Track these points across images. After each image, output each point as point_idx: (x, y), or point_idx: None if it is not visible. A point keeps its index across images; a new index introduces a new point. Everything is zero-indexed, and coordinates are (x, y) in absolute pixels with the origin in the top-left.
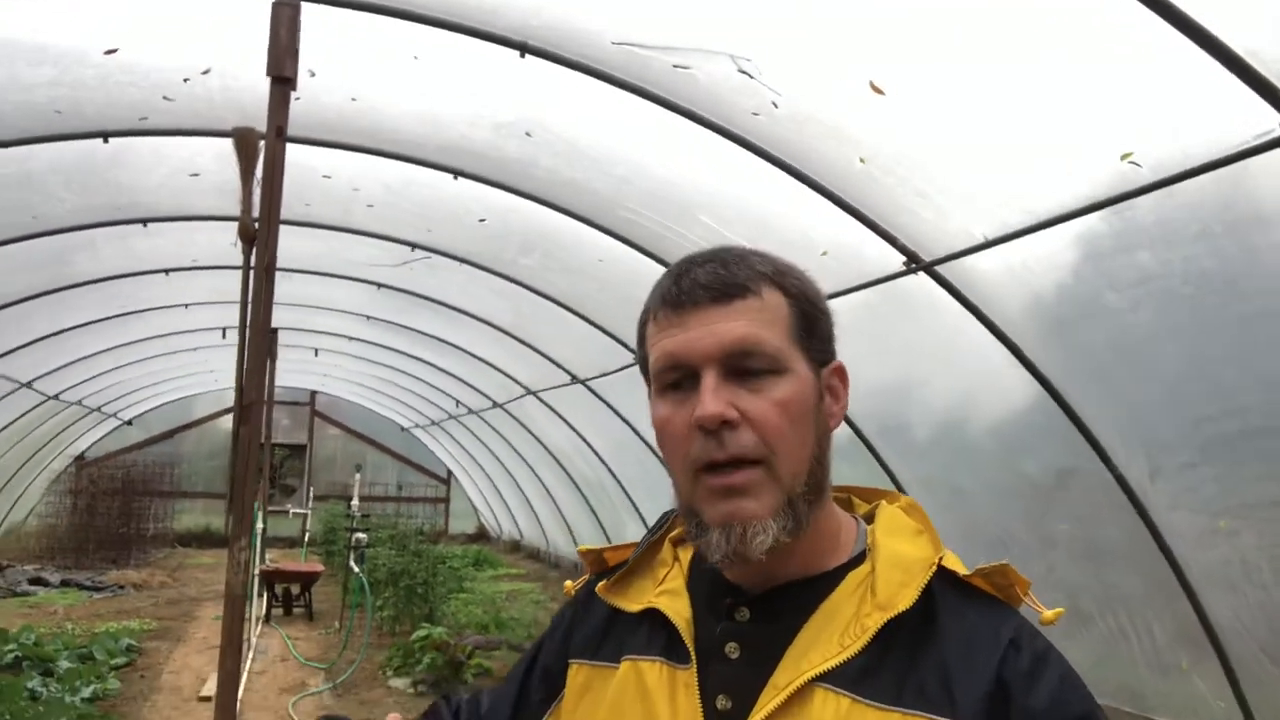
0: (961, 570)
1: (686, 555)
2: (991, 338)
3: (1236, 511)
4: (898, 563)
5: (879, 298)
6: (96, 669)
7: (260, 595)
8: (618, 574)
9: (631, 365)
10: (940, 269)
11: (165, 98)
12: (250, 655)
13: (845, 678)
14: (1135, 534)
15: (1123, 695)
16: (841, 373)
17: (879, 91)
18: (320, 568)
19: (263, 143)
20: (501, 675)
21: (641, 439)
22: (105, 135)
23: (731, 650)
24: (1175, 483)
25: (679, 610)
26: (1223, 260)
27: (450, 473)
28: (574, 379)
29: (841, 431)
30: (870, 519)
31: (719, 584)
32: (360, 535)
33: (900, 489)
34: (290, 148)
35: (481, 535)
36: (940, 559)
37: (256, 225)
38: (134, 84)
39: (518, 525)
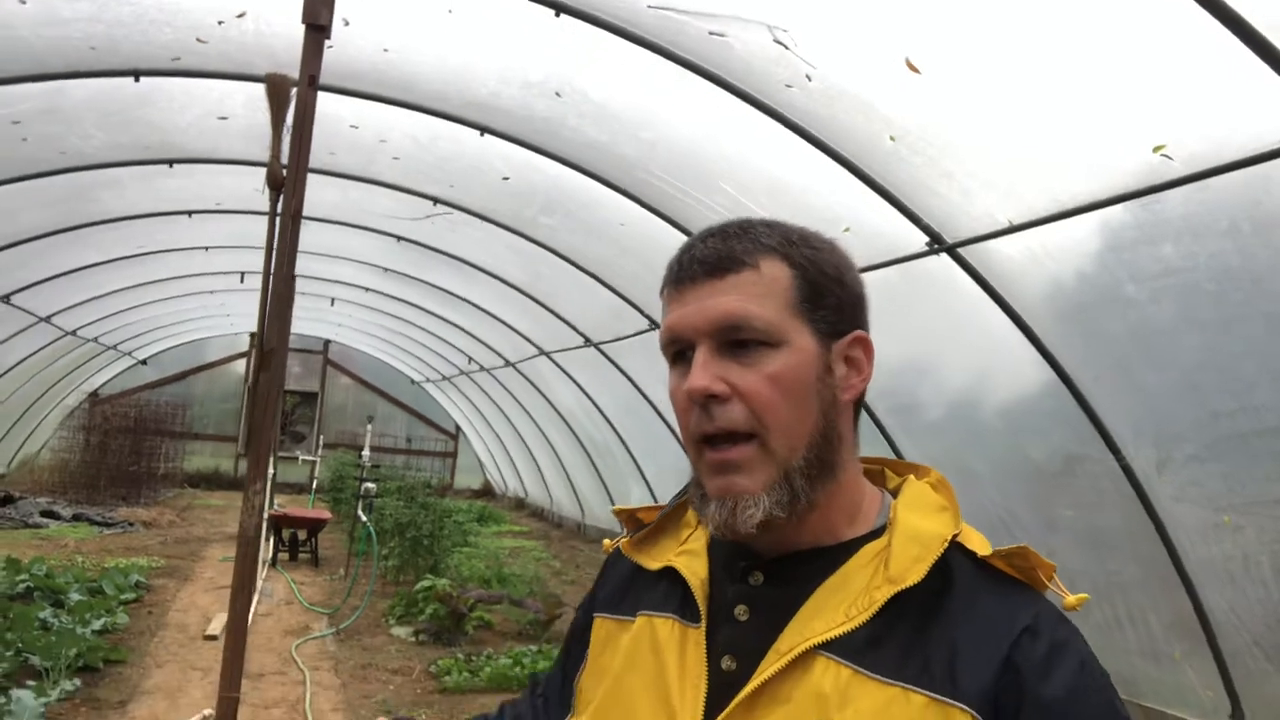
0: (982, 551)
1: None
2: (1009, 322)
3: (1241, 508)
4: (915, 537)
5: (899, 276)
6: (106, 603)
7: (268, 539)
8: (642, 532)
9: (646, 331)
10: (963, 251)
11: (199, 39)
12: (256, 598)
13: (848, 648)
14: (1138, 524)
15: (1116, 681)
16: (864, 343)
17: (915, 70)
18: (328, 515)
19: (294, 90)
20: (502, 629)
21: (651, 404)
22: (137, 74)
23: (741, 613)
24: (1182, 475)
25: (695, 570)
26: (1248, 258)
27: (458, 428)
28: (587, 341)
29: None
30: (899, 493)
31: (737, 548)
32: (369, 485)
33: (893, 446)
34: (320, 96)
35: (487, 491)
36: (956, 535)
37: (285, 173)
38: (169, 23)
39: (523, 483)
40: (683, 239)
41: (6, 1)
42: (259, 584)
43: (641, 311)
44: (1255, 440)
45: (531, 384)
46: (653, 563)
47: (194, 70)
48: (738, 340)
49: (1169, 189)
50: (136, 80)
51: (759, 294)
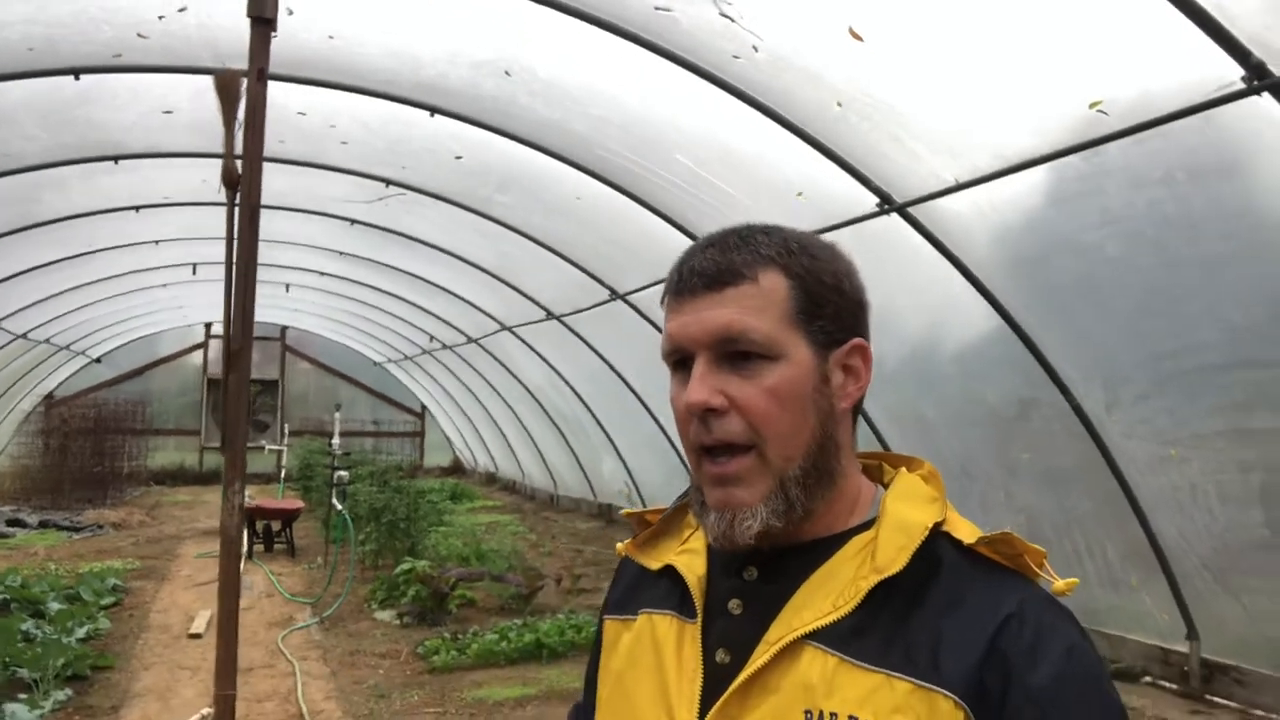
0: (968, 538)
1: None
2: (959, 276)
3: (1187, 441)
4: (901, 527)
5: (852, 237)
6: (86, 609)
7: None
8: (644, 534)
9: (607, 301)
10: (912, 210)
11: (140, 35)
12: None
13: (834, 637)
14: (1091, 461)
15: (1076, 611)
16: (863, 350)
17: (858, 38)
18: (300, 504)
19: (244, 86)
20: (485, 606)
21: (618, 375)
22: (77, 72)
23: (734, 607)
24: (1130, 414)
25: (693, 568)
26: (1184, 205)
27: (424, 407)
28: (550, 315)
29: None
30: (890, 486)
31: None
32: (342, 473)
33: (867, 419)
34: (268, 85)
35: (457, 468)
36: (940, 523)
37: (239, 169)
38: (108, 21)
39: (493, 458)
40: (641, 211)
41: None
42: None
43: (602, 283)
44: (1197, 377)
45: (496, 359)
46: (654, 563)
47: (136, 66)
48: (736, 352)
49: (1107, 142)
50: (77, 79)
51: (757, 307)
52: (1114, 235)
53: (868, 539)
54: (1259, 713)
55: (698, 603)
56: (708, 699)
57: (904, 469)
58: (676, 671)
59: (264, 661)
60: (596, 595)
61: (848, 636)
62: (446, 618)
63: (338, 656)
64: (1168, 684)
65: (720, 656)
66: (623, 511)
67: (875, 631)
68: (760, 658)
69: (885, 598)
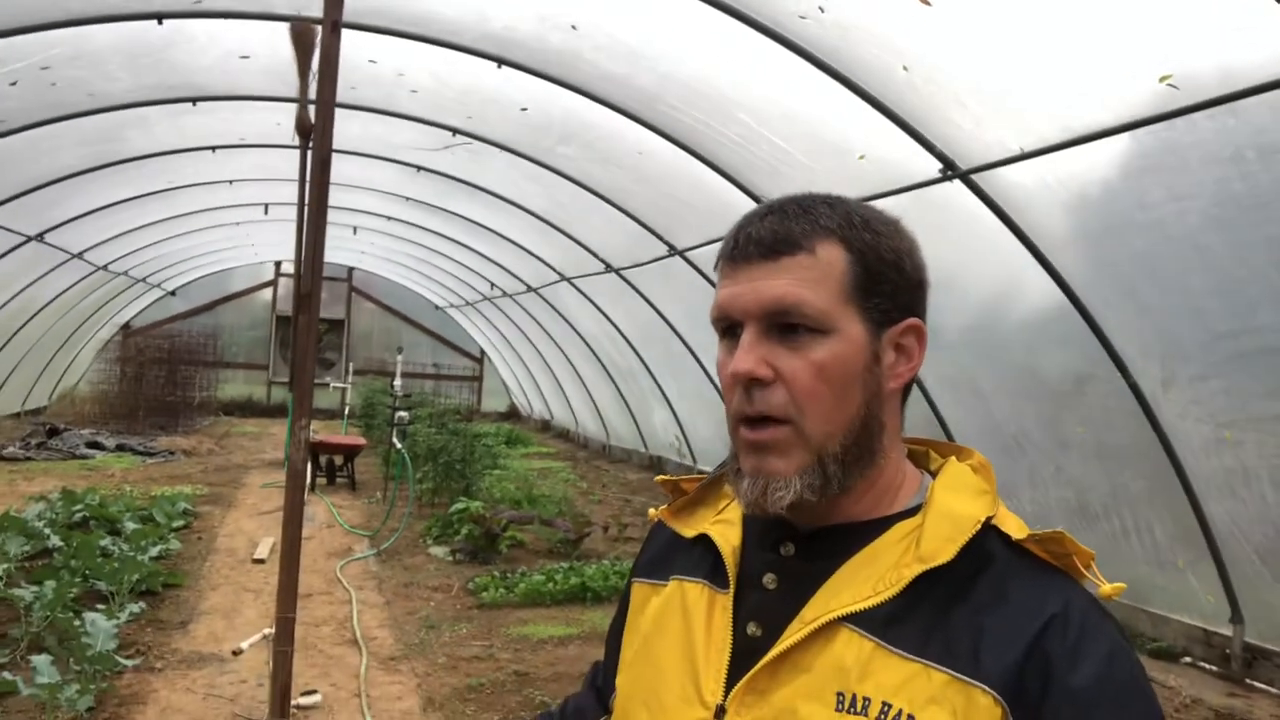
0: (1017, 534)
1: None
2: (1021, 247)
3: (1242, 424)
4: (948, 517)
5: (912, 202)
6: (159, 530)
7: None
8: (680, 501)
9: (665, 257)
10: (975, 177)
11: None
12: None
13: (873, 622)
14: (1144, 440)
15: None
16: (918, 331)
17: (926, 2)
18: (362, 441)
19: (319, 37)
20: (534, 548)
21: (672, 328)
22: (160, 17)
23: (769, 581)
24: (1186, 393)
25: (728, 538)
26: (1252, 184)
27: (483, 352)
28: (608, 267)
29: None
30: (938, 474)
31: (773, 520)
32: (402, 414)
33: (921, 386)
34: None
35: (513, 414)
36: (991, 517)
37: (312, 118)
38: None
39: (548, 406)
40: (701, 168)
41: None
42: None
43: (661, 239)
44: (1256, 359)
45: (554, 309)
46: (689, 530)
47: (216, 11)
48: (787, 324)
49: (1176, 117)
50: (160, 23)
51: (812, 279)
52: (1179, 212)
53: (912, 526)
54: None
55: (731, 573)
56: (735, 670)
57: (953, 458)
58: (705, 640)
59: (322, 589)
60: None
61: (886, 622)
62: (497, 557)
63: (392, 587)
64: (1208, 665)
65: (752, 629)
66: (657, 478)
67: (915, 620)
68: (794, 634)
69: (928, 588)
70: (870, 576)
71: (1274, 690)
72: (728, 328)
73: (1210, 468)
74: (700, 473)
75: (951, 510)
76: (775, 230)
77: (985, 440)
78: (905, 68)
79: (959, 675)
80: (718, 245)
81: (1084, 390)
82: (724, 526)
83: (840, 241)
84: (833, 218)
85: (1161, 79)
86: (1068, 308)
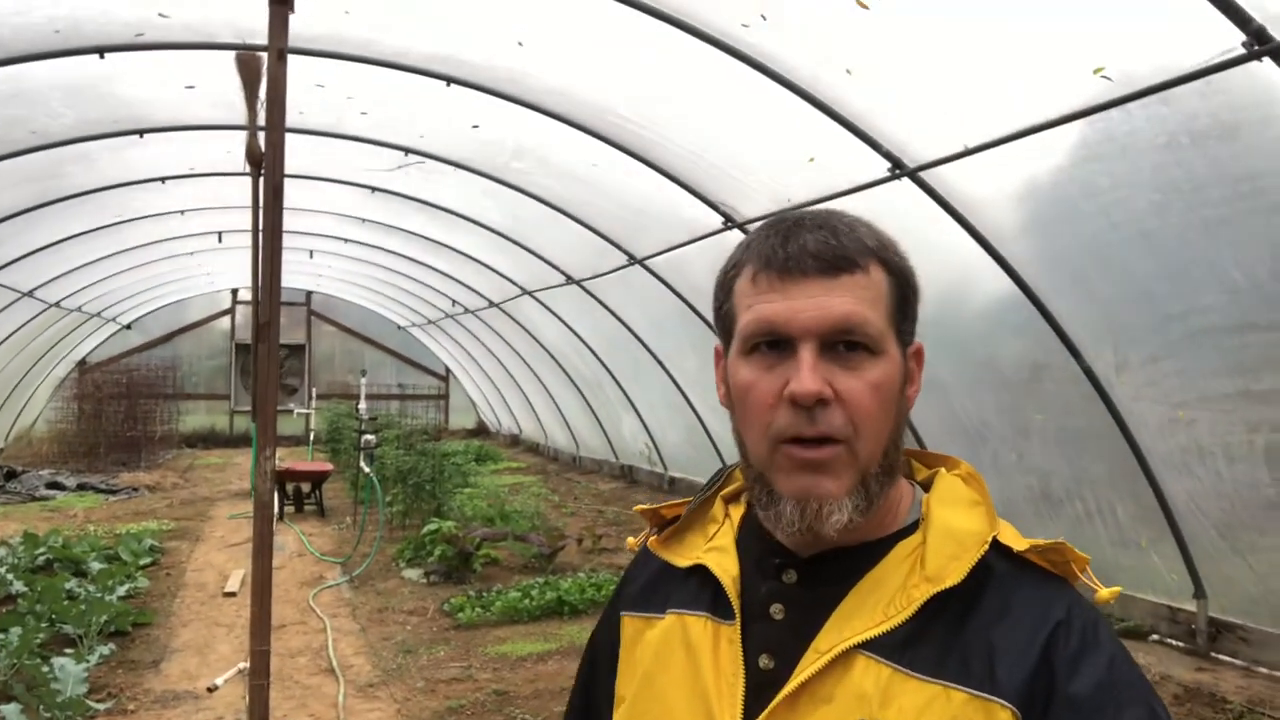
0: (1017, 545)
1: (737, 512)
2: (972, 241)
3: (1195, 403)
4: (950, 534)
5: (863, 202)
6: (125, 569)
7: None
8: (669, 529)
9: (625, 266)
10: (923, 175)
11: (160, 14)
12: None
13: (887, 647)
14: (1102, 423)
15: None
16: (920, 355)
17: (864, 5)
18: (329, 466)
19: (265, 65)
20: (508, 564)
21: (636, 336)
22: (102, 51)
23: (776, 611)
24: (1139, 376)
25: (726, 567)
26: (1188, 169)
27: (448, 370)
28: (569, 279)
29: None
30: (928, 486)
31: (768, 544)
32: (369, 437)
33: None
34: (288, 58)
35: (481, 430)
36: (995, 535)
37: (262, 146)
38: (131, 1)
39: (516, 420)
40: (655, 176)
41: None
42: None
43: (621, 248)
44: (1204, 339)
45: (517, 323)
46: (681, 560)
47: (158, 43)
48: (846, 343)
49: (1112, 107)
50: (101, 57)
51: (870, 299)
52: (1120, 200)
53: (914, 544)
54: (1263, 670)
55: (735, 604)
56: (751, 705)
57: (942, 470)
58: (714, 675)
59: (296, 619)
60: (617, 555)
61: (901, 646)
62: (471, 576)
63: (366, 613)
64: (1175, 642)
65: (764, 662)
66: (637, 508)
67: (929, 641)
68: (811, 666)
69: (938, 607)
70: (880, 601)
71: (1239, 663)
72: (767, 344)
73: (1167, 447)
74: (673, 480)
75: (951, 527)
76: (831, 245)
77: (948, 431)
78: (849, 70)
79: (978, 693)
80: (677, 252)
81: (1041, 378)
82: (719, 555)
83: (881, 263)
84: (872, 237)
85: (1095, 71)
86: (1020, 298)
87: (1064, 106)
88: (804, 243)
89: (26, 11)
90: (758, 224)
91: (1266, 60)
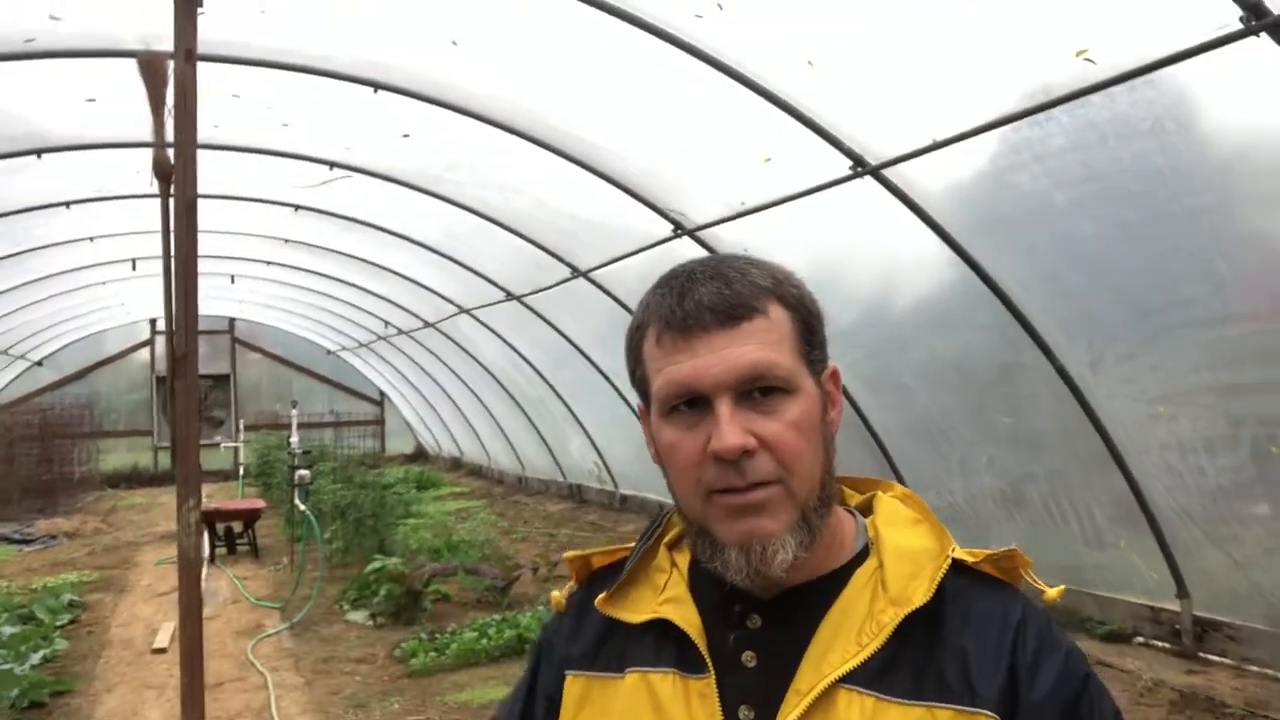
0: (970, 558)
1: (684, 560)
2: (936, 239)
3: (1175, 398)
4: (903, 554)
5: (825, 201)
6: (42, 630)
7: (202, 536)
8: (616, 585)
9: (568, 279)
10: (886, 172)
11: (52, 16)
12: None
13: (866, 676)
14: (1075, 422)
15: (1066, 574)
16: (836, 377)
17: None
18: (261, 504)
19: (171, 67)
20: (461, 599)
21: (580, 351)
22: None
23: (749, 659)
24: (1116, 372)
25: (689, 619)
26: (1172, 156)
27: (383, 394)
28: (509, 295)
29: None
30: (866, 510)
31: (726, 591)
32: (303, 473)
33: (846, 393)
34: (198, 67)
35: (420, 455)
36: (951, 550)
37: (171, 158)
38: (15, 3)
39: (457, 443)
40: (600, 184)
41: None
42: (201, 585)
43: (563, 260)
44: (1184, 333)
45: (454, 343)
46: (635, 615)
47: (52, 51)
48: (760, 389)
49: (1093, 92)
50: None
51: (774, 340)
52: (1098, 191)
53: (871, 569)
54: (1254, 669)
55: (706, 656)
56: None
57: (878, 493)
58: None
59: (234, 674)
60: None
61: (878, 674)
62: (422, 615)
63: (311, 664)
64: (1160, 644)
65: (744, 713)
66: (566, 555)
67: (904, 664)
68: (794, 709)
69: (906, 629)
70: (850, 631)
71: (1228, 662)
72: (685, 403)
73: (1145, 444)
74: (624, 498)
75: (902, 546)
76: (725, 295)
77: (913, 436)
78: (810, 62)
79: (961, 708)
80: (623, 262)
81: (1011, 378)
82: (676, 606)
83: (777, 299)
84: (764, 276)
85: (1078, 53)
86: (988, 296)
87: (1034, 96)
88: (699, 297)
89: None
90: (707, 230)
91: (1264, 36)
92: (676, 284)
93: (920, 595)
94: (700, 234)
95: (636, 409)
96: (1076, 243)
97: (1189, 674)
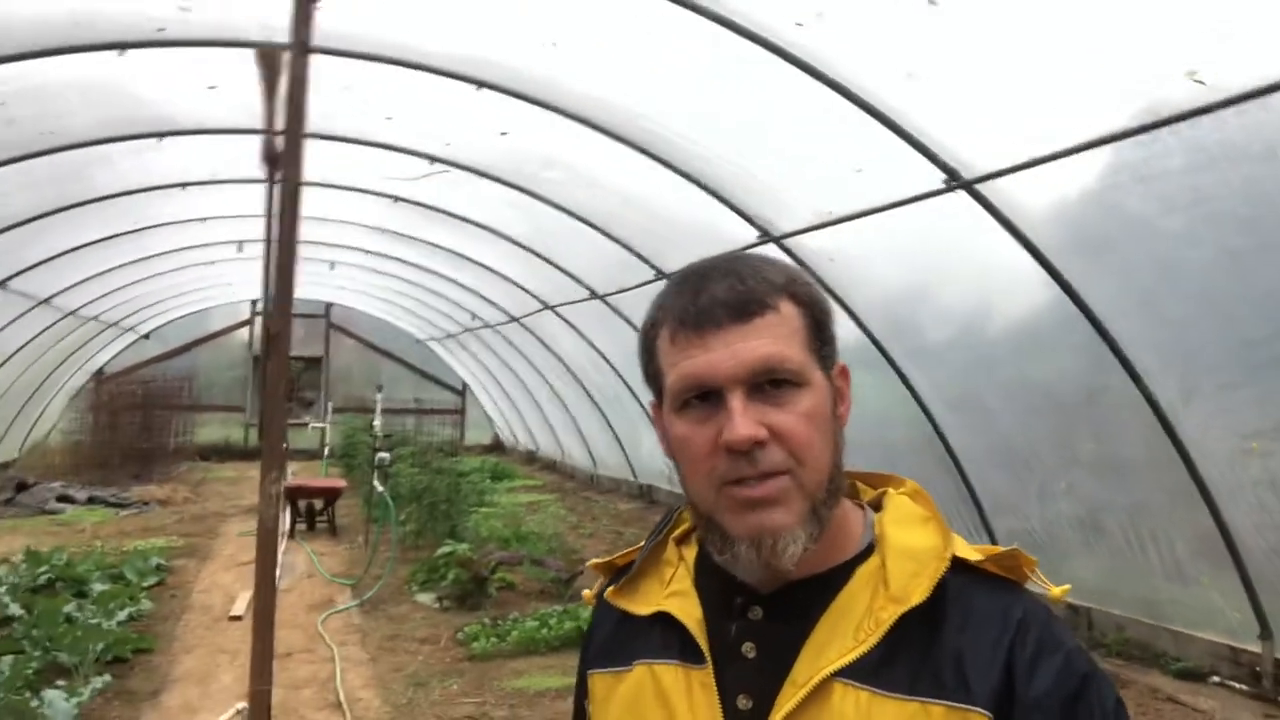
0: (972, 556)
1: (691, 554)
2: (1029, 258)
3: (1270, 434)
4: (907, 553)
5: (916, 214)
6: (129, 590)
7: (284, 511)
8: (625, 578)
9: (651, 281)
10: (980, 187)
11: (181, 7)
12: (278, 573)
13: (863, 671)
14: (1161, 452)
15: (1141, 606)
16: (845, 373)
17: (933, 1)
18: (342, 483)
19: (286, 59)
20: (525, 589)
21: None
22: (122, 47)
23: (748, 650)
24: (1210, 404)
25: (690, 611)
26: None
27: (465, 384)
28: (593, 294)
29: (868, 348)
30: (877, 506)
31: (729, 583)
32: (383, 455)
33: (925, 408)
34: (311, 59)
35: (497, 446)
36: (952, 550)
37: (280, 146)
38: None
39: (533, 436)
40: (689, 187)
41: None
42: (279, 558)
43: (648, 262)
44: None
45: (537, 337)
46: (642, 608)
47: (180, 40)
48: (771, 382)
49: (1200, 115)
50: (121, 54)
51: (785, 335)
52: (1204, 215)
53: (874, 566)
54: None
55: (704, 647)
56: None
57: (890, 490)
58: None
59: (303, 646)
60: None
61: (874, 669)
62: (486, 601)
63: (377, 641)
64: (1238, 685)
65: (742, 703)
66: (590, 563)
67: (900, 660)
68: (790, 700)
69: (904, 625)
70: (849, 626)
71: None
72: (697, 396)
73: (1235, 480)
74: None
75: (907, 545)
76: (739, 291)
77: (993, 459)
78: (909, 73)
79: (954, 704)
80: None
81: (1097, 403)
82: (680, 599)
83: (790, 297)
84: (777, 274)
85: (1188, 74)
86: (1078, 318)
87: (1138, 116)
88: (713, 293)
89: (46, 1)
90: (794, 238)
91: None
92: (691, 282)
93: (919, 594)
94: (786, 241)
95: (648, 406)
96: (1178, 267)
97: (1265, 717)
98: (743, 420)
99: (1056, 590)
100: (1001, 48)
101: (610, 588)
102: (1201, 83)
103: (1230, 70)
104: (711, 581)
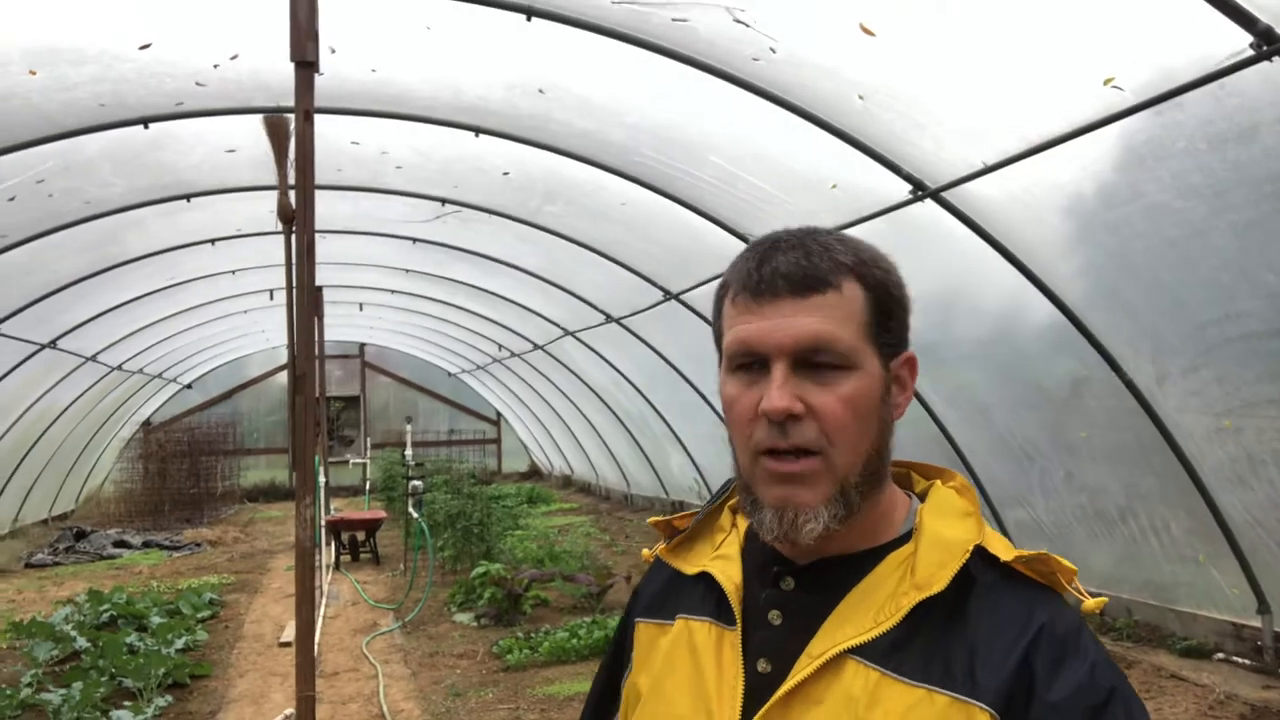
0: (1004, 555)
1: (744, 523)
2: (1000, 259)
3: (1239, 411)
4: (939, 544)
5: (888, 226)
6: (185, 622)
7: (328, 544)
8: (678, 539)
9: (662, 302)
10: (946, 195)
11: (198, 83)
12: (324, 601)
13: (876, 652)
14: (1148, 437)
15: (1148, 589)
16: (912, 363)
17: (869, 33)
18: (382, 514)
19: (292, 124)
20: (557, 605)
21: (678, 372)
22: (146, 121)
23: (774, 617)
24: (1181, 386)
25: (729, 575)
26: (1208, 174)
27: (499, 414)
28: (608, 318)
29: None
30: (924, 497)
31: (770, 553)
32: (416, 483)
33: (928, 408)
34: (319, 118)
35: (534, 473)
36: (980, 543)
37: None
38: (169, 74)
39: (568, 461)
40: (683, 212)
41: (18, 74)
42: (325, 588)
43: (655, 284)
44: (1241, 345)
45: (562, 364)
46: (689, 567)
47: (197, 111)
48: (816, 361)
49: (1126, 116)
50: (146, 127)
51: (841, 317)
52: (1143, 210)
53: (906, 554)
54: None
55: (736, 610)
56: (749, 707)
57: (938, 482)
58: (716, 679)
59: (349, 666)
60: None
61: (889, 651)
62: (521, 618)
63: (418, 658)
64: (1240, 660)
65: (762, 666)
66: (650, 520)
67: (915, 646)
68: (803, 670)
69: (925, 614)
70: (870, 607)
71: None
72: (747, 363)
73: (1216, 458)
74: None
75: (941, 537)
76: (803, 266)
77: (994, 452)
78: (861, 96)
79: (959, 696)
80: (711, 286)
81: (1083, 394)
82: (723, 562)
83: (858, 278)
84: (848, 254)
85: (1105, 81)
86: (1055, 314)
87: (1079, 119)
88: (777, 265)
89: (71, 87)
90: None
91: (1277, 60)
92: (761, 249)
93: (940, 583)
94: None
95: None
96: (1130, 259)
97: (1265, 689)
98: (780, 391)
99: (1091, 602)
100: (944, 65)
101: (662, 546)
102: (1119, 89)
103: (1147, 75)
104: (756, 550)
